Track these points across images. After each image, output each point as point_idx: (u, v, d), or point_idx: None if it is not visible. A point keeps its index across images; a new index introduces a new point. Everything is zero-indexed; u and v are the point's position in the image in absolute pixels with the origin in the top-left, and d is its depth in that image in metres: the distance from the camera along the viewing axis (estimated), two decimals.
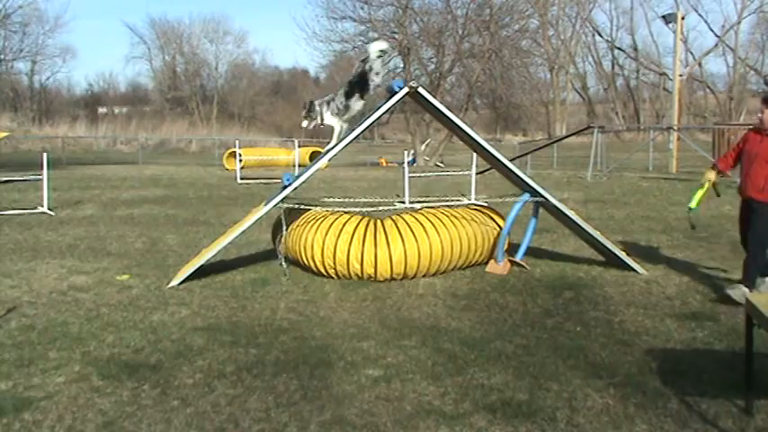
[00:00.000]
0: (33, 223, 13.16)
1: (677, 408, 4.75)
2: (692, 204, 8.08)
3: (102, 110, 71.58)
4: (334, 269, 8.35)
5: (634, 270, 8.70)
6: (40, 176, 15.38)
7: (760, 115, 7.27)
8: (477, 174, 17.56)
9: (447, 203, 11.32)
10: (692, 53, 62.54)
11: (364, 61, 8.97)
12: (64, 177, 22.86)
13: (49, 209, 14.73)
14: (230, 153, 29.12)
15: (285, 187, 8.31)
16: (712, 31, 69.14)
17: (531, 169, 25.95)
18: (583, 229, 8.89)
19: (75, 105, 72.83)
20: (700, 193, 7.99)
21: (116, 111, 71.21)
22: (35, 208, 14.89)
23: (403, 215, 8.78)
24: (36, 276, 8.70)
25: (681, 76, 31.01)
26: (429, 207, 9.43)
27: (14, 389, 5.11)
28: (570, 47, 68.54)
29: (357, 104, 9.03)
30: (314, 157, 27.32)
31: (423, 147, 39.21)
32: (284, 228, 8.70)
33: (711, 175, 7.93)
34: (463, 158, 28.97)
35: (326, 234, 8.31)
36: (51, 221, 13.53)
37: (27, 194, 17.26)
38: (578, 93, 75.73)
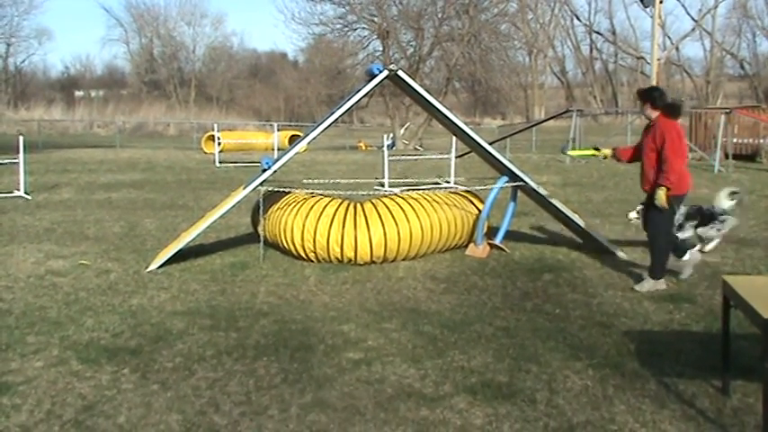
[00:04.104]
0: (9, 207, 13.04)
1: (655, 388, 4.80)
2: (570, 151, 8.33)
3: (78, 93, 70.80)
4: (314, 252, 8.34)
5: (612, 253, 8.75)
6: (16, 160, 15.21)
7: (643, 110, 7.31)
8: (456, 157, 17.61)
9: (426, 187, 11.33)
10: (669, 37, 62.81)
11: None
12: (40, 161, 22.64)
13: (25, 193, 14.59)
14: (209, 137, 28.93)
15: (264, 171, 8.28)
16: (689, 15, 69.40)
17: (510, 153, 26.00)
18: (561, 212, 8.94)
19: (52, 88, 71.96)
20: (586, 152, 8.07)
21: (93, 94, 70.43)
22: (11, 192, 14.75)
23: (383, 198, 8.78)
24: (13, 261, 8.63)
25: (658, 59, 31.14)
26: (408, 191, 9.44)
27: None
28: (549, 31, 68.60)
29: None
30: (293, 140, 27.23)
31: (402, 130, 39.19)
32: (262, 211, 8.67)
33: (607, 152, 7.98)
34: (442, 142, 28.96)
35: (306, 217, 8.30)
36: (28, 205, 13.41)
37: (2, 178, 17.08)
38: (557, 76, 75.87)
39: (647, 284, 7.26)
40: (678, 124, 7.20)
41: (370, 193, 10.04)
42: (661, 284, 7.27)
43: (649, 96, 7.20)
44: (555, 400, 4.64)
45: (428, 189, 10.02)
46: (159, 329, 6.04)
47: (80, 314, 6.46)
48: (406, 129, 39.96)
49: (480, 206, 9.19)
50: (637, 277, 7.73)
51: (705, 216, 8.76)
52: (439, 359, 5.37)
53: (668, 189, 6.99)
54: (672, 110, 7.17)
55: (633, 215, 8.23)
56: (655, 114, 7.16)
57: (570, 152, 8.48)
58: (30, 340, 5.76)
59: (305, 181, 13.15)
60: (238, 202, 8.55)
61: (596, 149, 8.07)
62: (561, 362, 5.30)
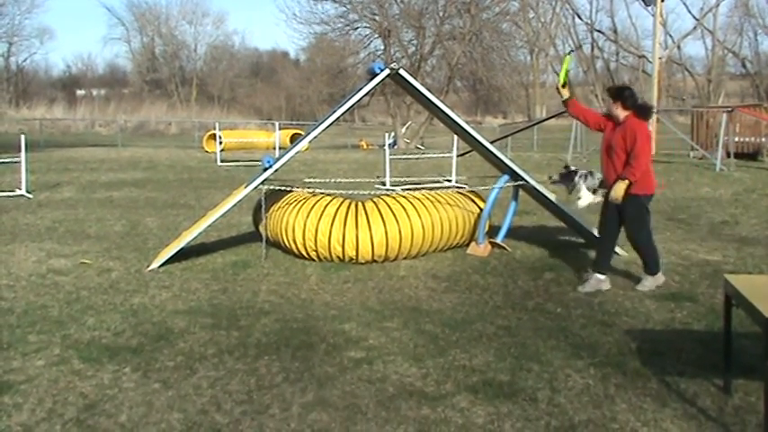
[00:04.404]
0: (11, 206, 13.04)
1: (656, 387, 4.80)
2: (569, 58, 8.19)
3: (80, 92, 70.83)
4: (316, 251, 8.34)
5: (614, 252, 8.73)
6: (17, 159, 15.22)
7: (612, 108, 7.21)
8: (457, 156, 17.61)
9: (427, 186, 11.33)
10: (670, 36, 62.61)
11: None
12: (42, 160, 22.65)
13: (27, 192, 14.60)
14: (210, 135, 28.94)
15: (266, 169, 8.28)
16: (691, 13, 69.57)
17: (511, 152, 25.98)
18: (563, 210, 8.93)
19: (53, 87, 72.09)
20: (564, 69, 7.99)
21: (94, 93, 70.48)
22: (13, 191, 14.76)
23: (384, 197, 8.78)
24: (15, 260, 8.63)
25: (660, 58, 31.10)
26: (410, 190, 9.44)
27: None
28: (550, 29, 68.55)
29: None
30: (294, 139, 27.24)
31: (403, 129, 39.15)
32: (263, 210, 8.68)
33: (566, 93, 7.79)
34: (444, 141, 28.98)
35: (308, 216, 8.30)
36: (30, 204, 13.41)
37: (4, 177, 17.08)
38: (558, 75, 75.87)
39: (648, 283, 7.28)
40: (647, 125, 7.20)
41: (372, 192, 10.04)
42: (660, 278, 7.31)
43: (620, 96, 7.16)
44: (556, 398, 4.64)
45: (430, 188, 10.01)
46: (160, 328, 6.05)
47: (81, 313, 6.46)
48: (407, 127, 39.92)
49: (481, 205, 9.19)
50: (636, 276, 7.73)
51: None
52: (440, 358, 5.37)
53: (630, 184, 6.99)
54: (643, 111, 7.17)
55: (556, 177, 8.33)
56: (624, 114, 7.12)
57: (569, 58, 8.28)
58: (31, 339, 5.77)
59: (306, 180, 13.13)
60: (240, 200, 8.55)
61: (565, 83, 7.87)
62: (563, 360, 5.30)
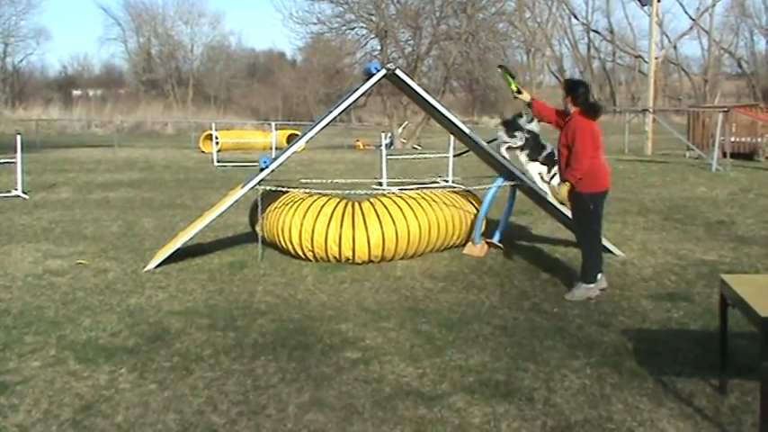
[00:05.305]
0: (7, 207, 13.02)
1: (653, 387, 4.81)
2: (508, 77, 8.11)
3: (76, 92, 70.72)
4: (312, 252, 8.34)
5: (610, 251, 8.74)
6: (13, 159, 15.19)
7: (565, 101, 7.11)
8: (454, 156, 17.61)
9: (424, 186, 11.33)
10: (667, 36, 62.70)
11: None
12: (38, 161, 22.59)
13: (23, 192, 14.57)
14: (207, 136, 28.92)
15: (262, 170, 8.28)
16: (687, 13, 69.58)
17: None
18: (559, 210, 8.93)
19: (49, 88, 71.94)
20: (511, 81, 8.02)
21: (90, 93, 70.33)
22: (9, 191, 14.72)
23: (381, 197, 8.78)
24: (11, 260, 8.62)
25: (656, 58, 31.14)
26: (407, 190, 9.44)
27: None
28: (546, 29, 68.51)
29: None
30: (291, 139, 27.21)
31: (400, 129, 39.17)
32: (260, 210, 8.67)
33: (525, 97, 7.72)
34: (440, 141, 28.95)
35: (304, 217, 8.29)
36: (26, 205, 13.39)
37: (0, 178, 17.04)
38: (555, 75, 75.77)
39: (578, 292, 6.97)
40: (594, 123, 7.00)
41: (368, 192, 10.04)
42: (593, 291, 6.96)
43: (574, 90, 7.05)
44: (553, 398, 4.65)
45: (427, 188, 10.01)
46: (157, 329, 6.04)
47: (78, 314, 6.45)
48: (404, 128, 39.95)
49: (478, 205, 9.19)
50: (633, 277, 7.74)
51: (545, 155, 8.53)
52: (437, 358, 5.37)
53: (572, 185, 6.87)
54: (589, 111, 7.00)
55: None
56: (573, 110, 7.02)
57: (509, 77, 8.22)
58: (27, 340, 5.76)
59: (303, 180, 13.15)
60: (236, 201, 8.54)
61: (519, 91, 7.80)
62: (559, 360, 5.30)
